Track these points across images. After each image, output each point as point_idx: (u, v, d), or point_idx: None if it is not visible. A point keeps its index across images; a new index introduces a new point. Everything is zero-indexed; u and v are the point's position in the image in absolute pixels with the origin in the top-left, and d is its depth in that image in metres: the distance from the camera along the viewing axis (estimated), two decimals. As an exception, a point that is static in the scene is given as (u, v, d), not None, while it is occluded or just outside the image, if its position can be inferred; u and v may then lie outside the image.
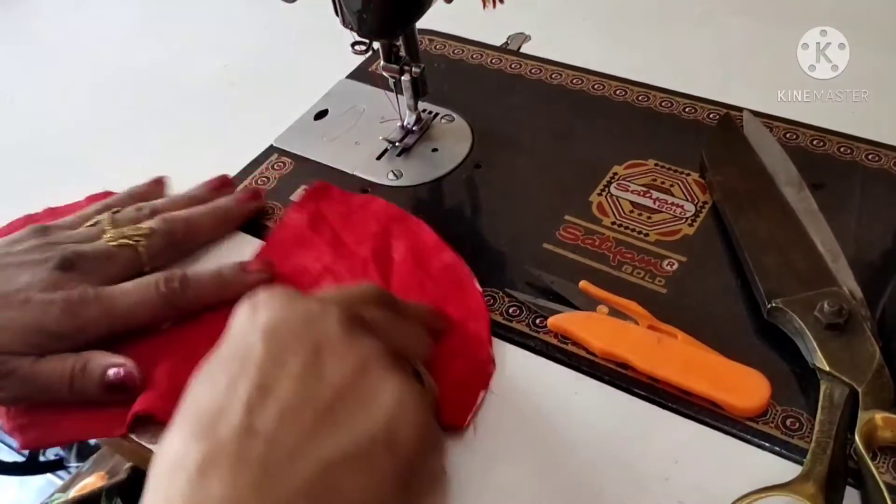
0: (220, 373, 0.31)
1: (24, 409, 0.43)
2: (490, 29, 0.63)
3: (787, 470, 0.36)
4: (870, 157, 0.49)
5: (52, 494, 0.74)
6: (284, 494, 0.27)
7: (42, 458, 1.18)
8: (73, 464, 1.05)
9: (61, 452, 1.11)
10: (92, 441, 0.97)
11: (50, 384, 0.41)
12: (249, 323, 0.32)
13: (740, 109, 0.53)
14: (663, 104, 0.55)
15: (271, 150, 0.56)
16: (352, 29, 0.47)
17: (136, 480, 0.69)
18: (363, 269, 0.46)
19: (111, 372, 0.41)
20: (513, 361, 0.42)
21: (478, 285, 0.45)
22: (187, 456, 0.28)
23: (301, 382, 0.30)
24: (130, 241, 0.45)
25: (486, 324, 0.43)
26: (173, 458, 0.29)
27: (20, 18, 0.77)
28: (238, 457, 0.27)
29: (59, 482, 1.03)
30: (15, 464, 1.13)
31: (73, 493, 0.72)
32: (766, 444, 0.37)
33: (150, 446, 0.41)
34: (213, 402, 0.30)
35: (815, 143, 0.51)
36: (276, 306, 0.32)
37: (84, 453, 1.00)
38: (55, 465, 1.15)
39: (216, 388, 0.30)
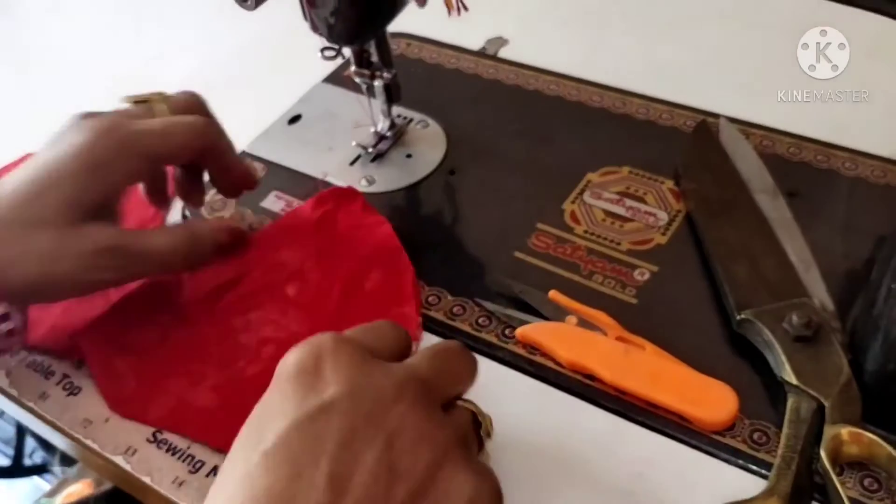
0: (283, 452, 0.27)
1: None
2: (467, 33, 0.62)
3: (753, 485, 0.36)
4: (847, 165, 0.49)
5: (39, 500, 0.74)
6: None
7: (28, 462, 1.17)
8: (57, 467, 1.05)
9: (46, 457, 1.10)
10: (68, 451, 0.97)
11: (163, 256, 0.42)
12: (313, 388, 0.29)
13: (718, 116, 0.52)
14: (640, 111, 0.54)
15: (243, 155, 0.55)
16: (321, 34, 0.46)
17: (123, 491, 0.69)
18: (330, 286, 0.45)
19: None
20: (480, 372, 0.42)
21: None
22: None
23: (376, 480, 0.27)
24: (148, 98, 0.44)
25: None
26: None
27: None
28: None
29: (47, 486, 1.03)
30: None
31: (60, 500, 0.71)
32: (733, 459, 0.37)
33: (108, 455, 0.41)
34: (279, 489, 0.27)
35: (791, 150, 0.50)
36: (346, 373, 0.29)
37: (68, 459, 0.99)
38: (40, 470, 1.15)
39: (282, 471, 0.27)
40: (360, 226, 0.48)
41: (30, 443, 1.17)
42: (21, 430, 1.15)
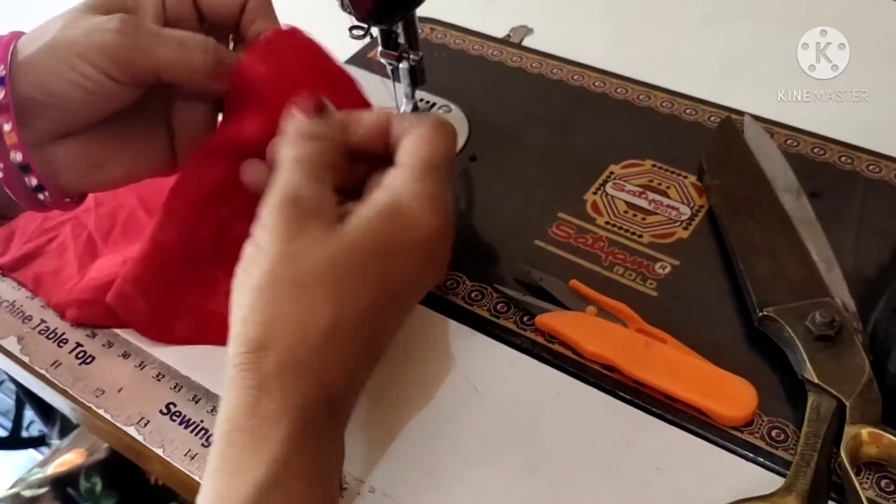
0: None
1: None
2: (493, 21, 0.62)
3: (770, 481, 0.35)
4: (870, 167, 0.49)
5: (31, 470, 0.74)
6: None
7: (25, 434, 1.17)
8: (55, 441, 1.05)
9: (44, 429, 1.10)
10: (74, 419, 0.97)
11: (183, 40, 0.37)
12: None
13: (742, 113, 0.52)
14: (664, 105, 0.54)
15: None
16: (350, 12, 0.46)
17: (116, 459, 0.68)
18: None
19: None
20: (498, 358, 0.42)
21: None
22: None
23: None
24: None
25: None
26: None
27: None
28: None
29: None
30: (-3, 438, 1.13)
31: (52, 469, 0.71)
32: (751, 455, 0.37)
33: (120, 425, 0.40)
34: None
35: (815, 150, 0.50)
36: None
37: (67, 430, 0.99)
38: (38, 442, 1.15)
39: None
40: (327, 82, 0.41)
41: (27, 416, 1.17)
42: (20, 403, 1.15)
